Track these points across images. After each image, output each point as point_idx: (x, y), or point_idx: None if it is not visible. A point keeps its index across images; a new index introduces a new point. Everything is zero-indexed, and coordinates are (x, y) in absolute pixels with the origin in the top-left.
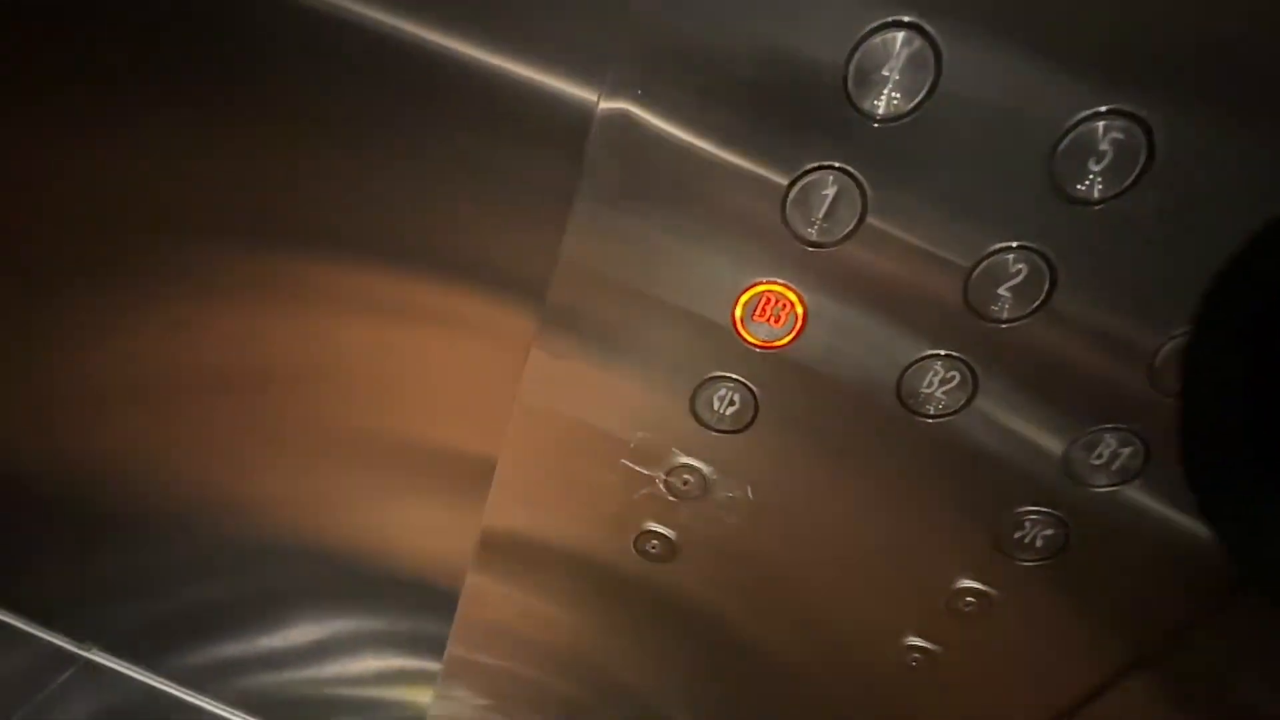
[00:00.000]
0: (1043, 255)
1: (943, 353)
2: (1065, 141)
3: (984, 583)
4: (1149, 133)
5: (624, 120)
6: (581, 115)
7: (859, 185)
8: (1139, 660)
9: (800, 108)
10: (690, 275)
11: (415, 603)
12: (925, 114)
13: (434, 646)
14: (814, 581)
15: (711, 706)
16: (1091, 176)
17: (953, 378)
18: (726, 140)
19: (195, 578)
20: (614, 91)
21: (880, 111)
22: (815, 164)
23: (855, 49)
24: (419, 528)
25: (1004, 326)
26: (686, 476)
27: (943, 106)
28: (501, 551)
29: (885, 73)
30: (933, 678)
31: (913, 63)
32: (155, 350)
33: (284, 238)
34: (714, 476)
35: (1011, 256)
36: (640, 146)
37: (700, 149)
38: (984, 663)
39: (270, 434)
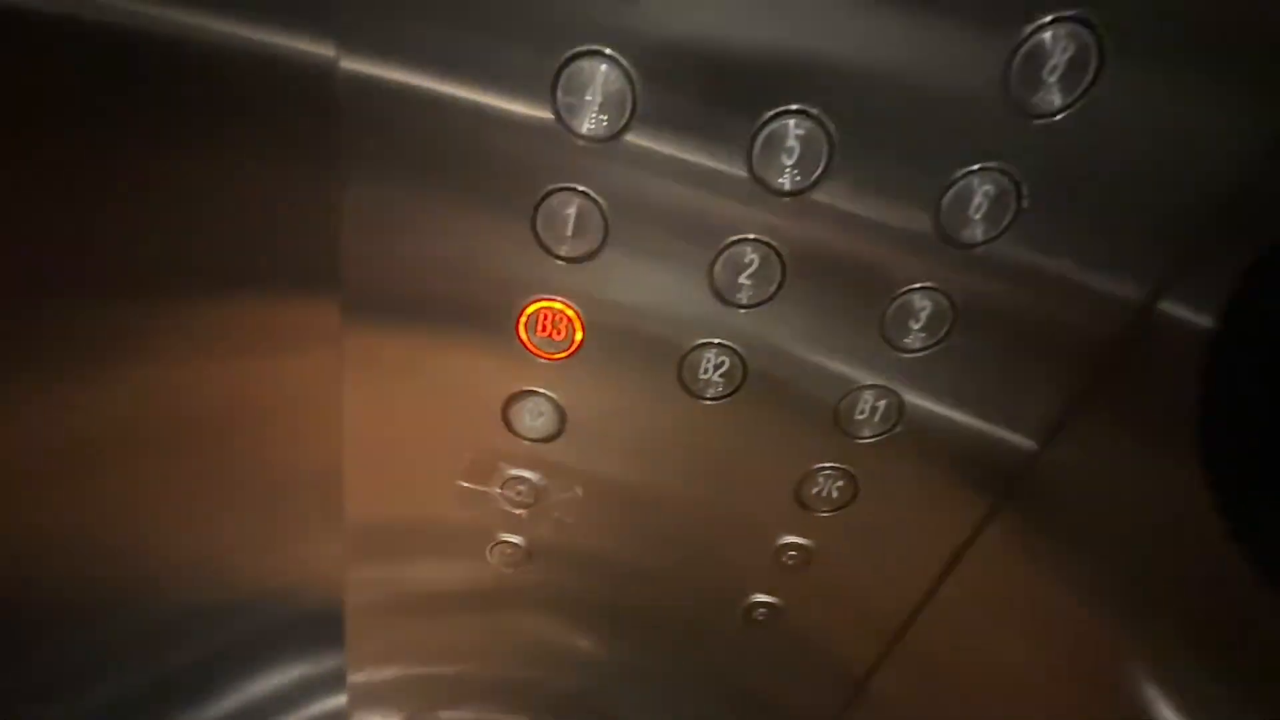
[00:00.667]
0: (774, 248)
1: (711, 341)
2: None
3: (799, 536)
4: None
5: (366, 82)
6: (326, 78)
7: (597, 205)
8: (957, 553)
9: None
10: (471, 290)
11: (312, 641)
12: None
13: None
14: (654, 563)
15: (602, 678)
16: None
17: (723, 362)
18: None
19: (105, 666)
20: (350, 48)
21: (586, 130)
22: (554, 186)
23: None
24: (293, 564)
25: (744, 312)
26: (519, 487)
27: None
28: (371, 572)
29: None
30: (782, 626)
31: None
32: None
33: (70, 286)
34: (543, 483)
35: (748, 246)
36: (391, 114)
37: (453, 148)
38: (822, 603)
39: (125, 496)
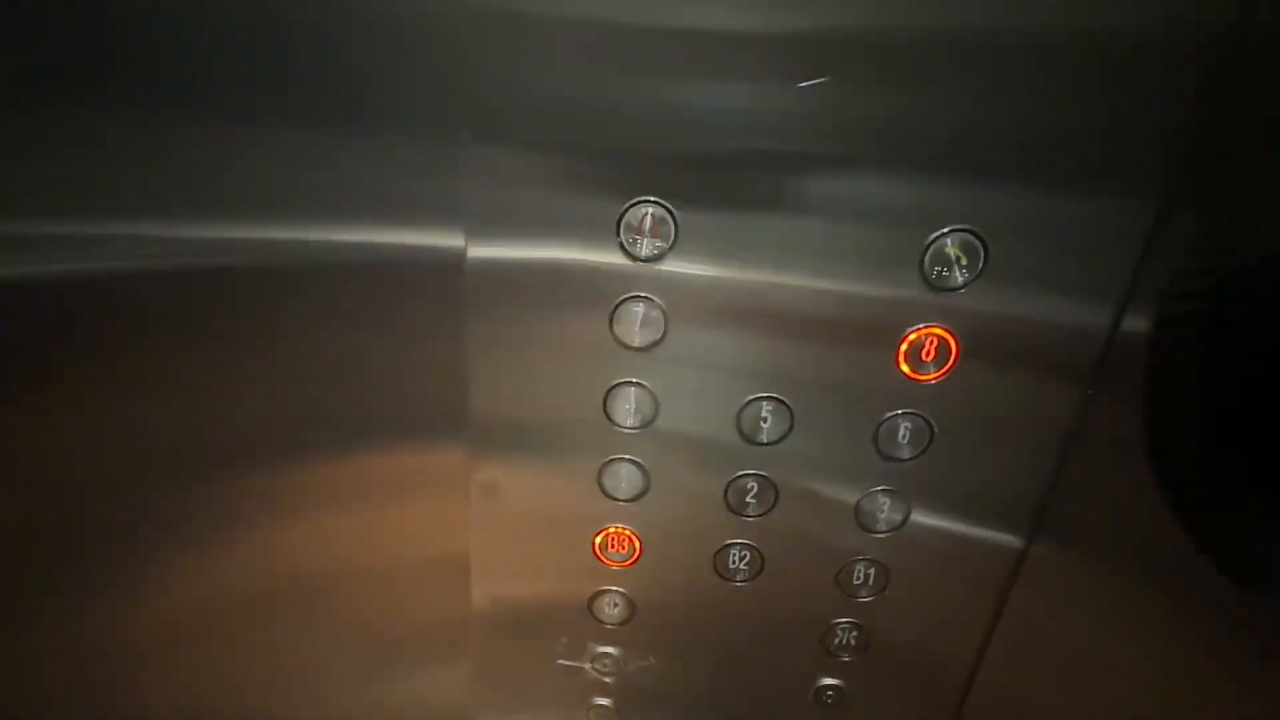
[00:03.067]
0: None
1: (739, 541)
2: None
3: (831, 677)
4: None
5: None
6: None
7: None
8: (974, 672)
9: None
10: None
11: None
12: None
13: None
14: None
15: None
16: None
17: (744, 555)
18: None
19: None
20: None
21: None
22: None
23: None
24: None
25: (755, 519)
26: (606, 661)
27: None
28: None
29: None
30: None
31: None
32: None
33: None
34: (623, 656)
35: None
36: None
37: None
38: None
39: (269, 657)
